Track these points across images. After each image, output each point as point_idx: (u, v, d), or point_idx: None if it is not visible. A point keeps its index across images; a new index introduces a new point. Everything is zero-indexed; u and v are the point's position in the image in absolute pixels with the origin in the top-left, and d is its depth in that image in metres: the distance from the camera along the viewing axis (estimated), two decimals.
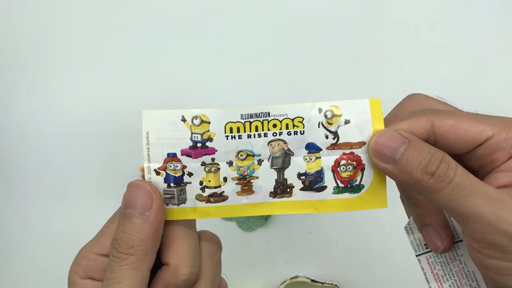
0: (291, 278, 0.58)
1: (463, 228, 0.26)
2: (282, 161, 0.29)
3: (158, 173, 0.29)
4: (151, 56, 0.65)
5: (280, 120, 0.28)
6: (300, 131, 0.28)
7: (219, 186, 0.29)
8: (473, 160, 0.28)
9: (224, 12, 0.66)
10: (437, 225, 0.30)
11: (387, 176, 0.28)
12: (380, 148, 0.27)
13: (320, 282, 0.57)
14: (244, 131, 0.29)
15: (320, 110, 0.28)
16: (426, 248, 0.32)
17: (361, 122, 0.28)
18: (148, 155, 0.30)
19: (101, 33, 0.65)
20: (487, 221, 0.24)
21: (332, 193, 0.29)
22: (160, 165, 0.29)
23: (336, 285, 0.57)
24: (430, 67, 0.64)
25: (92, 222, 0.62)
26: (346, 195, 0.29)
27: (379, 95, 0.69)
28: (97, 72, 0.65)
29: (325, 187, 0.29)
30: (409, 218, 0.32)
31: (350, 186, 0.29)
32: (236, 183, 0.29)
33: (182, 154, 0.29)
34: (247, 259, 0.61)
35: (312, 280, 0.57)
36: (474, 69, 0.64)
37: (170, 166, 0.29)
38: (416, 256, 0.32)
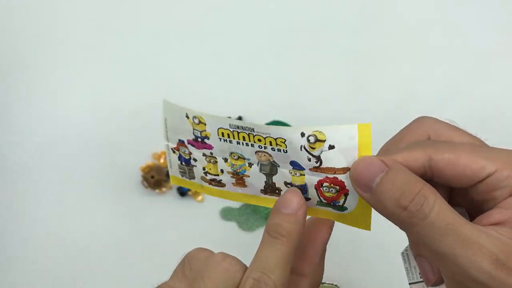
0: None
1: (438, 265, 0.25)
2: (269, 168, 0.30)
3: (173, 152, 0.34)
4: (151, 56, 0.65)
5: (264, 137, 0.29)
6: (283, 150, 0.28)
7: (217, 175, 0.32)
8: (474, 194, 0.26)
9: (224, 13, 0.66)
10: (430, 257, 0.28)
11: None
12: (357, 175, 0.26)
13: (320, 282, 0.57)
14: (234, 138, 0.30)
15: (302, 134, 0.27)
16: (420, 277, 0.30)
17: (347, 148, 0.27)
18: (167, 136, 0.35)
19: (101, 34, 0.65)
20: (458, 264, 0.23)
21: (316, 205, 0.29)
22: (175, 146, 0.33)
23: (336, 285, 0.57)
24: (430, 67, 0.64)
25: (91, 222, 0.63)
26: (330, 209, 0.29)
27: (379, 95, 0.69)
28: (98, 72, 0.65)
29: (309, 199, 0.29)
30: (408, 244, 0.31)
31: (333, 205, 0.28)
32: (231, 176, 0.31)
33: (188, 143, 0.32)
34: (247, 259, 0.60)
35: None
36: (474, 69, 0.64)
37: (181, 149, 0.33)
38: (409, 284, 0.31)
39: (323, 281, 0.57)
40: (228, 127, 0.31)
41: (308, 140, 0.27)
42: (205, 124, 0.32)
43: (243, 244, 0.62)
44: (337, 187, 0.28)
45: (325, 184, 0.28)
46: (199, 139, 0.32)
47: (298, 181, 0.29)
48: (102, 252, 0.59)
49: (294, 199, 0.28)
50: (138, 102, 0.64)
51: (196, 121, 0.32)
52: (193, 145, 0.32)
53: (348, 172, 0.27)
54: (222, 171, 0.31)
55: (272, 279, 0.26)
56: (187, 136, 0.32)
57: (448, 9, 0.65)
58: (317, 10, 0.65)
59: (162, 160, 0.62)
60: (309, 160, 0.28)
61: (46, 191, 0.62)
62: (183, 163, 0.33)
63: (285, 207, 0.27)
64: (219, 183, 0.32)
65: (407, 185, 0.24)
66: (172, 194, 0.62)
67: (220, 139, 0.31)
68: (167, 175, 0.61)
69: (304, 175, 0.29)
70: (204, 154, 0.32)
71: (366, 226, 0.28)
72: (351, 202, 0.28)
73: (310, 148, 0.28)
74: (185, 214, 0.61)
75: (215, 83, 0.64)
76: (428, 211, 0.23)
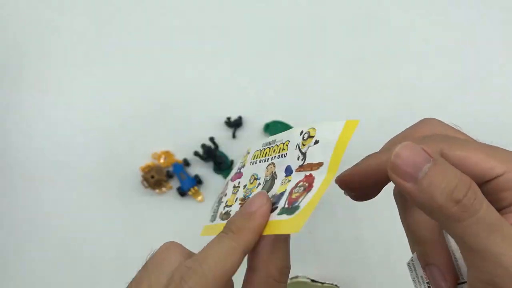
0: (291, 278, 0.58)
1: (472, 266, 0.24)
2: (269, 184, 0.29)
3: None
4: (152, 56, 0.65)
5: (278, 145, 0.29)
6: (284, 154, 0.28)
7: (231, 205, 0.31)
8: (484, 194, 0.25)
9: (224, 13, 0.66)
10: (442, 265, 0.28)
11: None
12: (401, 163, 0.24)
13: (320, 282, 0.57)
14: (259, 157, 0.31)
15: (301, 132, 0.27)
16: (429, 287, 0.30)
17: (327, 143, 0.26)
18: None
19: (101, 34, 0.65)
20: (502, 263, 0.22)
21: (277, 214, 0.27)
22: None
23: (336, 285, 0.57)
24: (430, 67, 0.64)
25: (91, 222, 0.63)
26: (283, 217, 0.27)
27: (379, 95, 0.69)
28: (98, 72, 0.65)
29: (276, 208, 0.28)
30: (412, 253, 0.31)
31: (291, 207, 0.27)
32: (239, 203, 0.31)
33: (232, 180, 0.33)
34: (247, 259, 0.61)
35: (312, 280, 0.57)
36: (474, 69, 0.64)
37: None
38: None
39: (323, 281, 0.57)
40: (261, 147, 0.31)
41: (303, 138, 0.27)
42: (248, 153, 0.32)
43: None
44: (307, 184, 0.27)
45: (300, 184, 0.27)
46: (239, 170, 0.32)
47: (281, 189, 0.28)
48: (102, 252, 0.59)
49: (256, 200, 0.28)
50: (138, 102, 0.64)
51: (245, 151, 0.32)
52: (232, 180, 0.32)
53: (321, 167, 0.26)
54: (236, 199, 0.31)
55: (202, 267, 0.26)
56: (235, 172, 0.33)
57: (448, 9, 0.65)
58: (317, 11, 0.66)
59: (162, 160, 0.62)
60: (298, 158, 0.28)
61: (46, 191, 0.62)
62: (217, 202, 0.33)
63: (245, 207, 0.28)
64: (227, 215, 0.31)
65: (458, 177, 0.23)
66: (172, 194, 0.62)
67: (251, 162, 0.31)
68: (167, 175, 0.61)
69: (290, 180, 0.28)
70: (234, 186, 0.32)
71: (296, 227, 0.26)
72: (305, 200, 0.26)
73: (301, 145, 0.27)
74: (185, 214, 0.61)
75: (216, 83, 0.64)
76: (479, 206, 0.23)
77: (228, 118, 0.62)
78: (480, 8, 0.65)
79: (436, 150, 0.25)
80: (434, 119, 0.29)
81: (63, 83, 0.64)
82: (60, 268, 0.59)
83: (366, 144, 0.66)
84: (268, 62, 0.65)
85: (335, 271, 0.59)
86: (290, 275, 0.59)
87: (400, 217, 0.30)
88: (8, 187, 0.62)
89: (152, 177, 0.59)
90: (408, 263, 0.31)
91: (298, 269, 0.59)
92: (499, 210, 0.25)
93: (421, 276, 0.30)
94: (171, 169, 0.61)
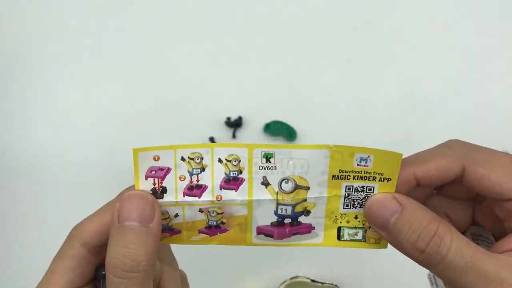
0: (291, 278, 0.58)
1: None
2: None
3: None
4: (151, 56, 0.65)
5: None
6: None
7: None
8: (499, 210, 0.26)
9: (224, 13, 0.66)
10: None
11: None
12: (373, 215, 0.27)
13: (320, 282, 0.57)
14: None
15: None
16: None
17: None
18: None
19: (101, 34, 0.65)
20: None
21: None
22: None
23: (336, 285, 0.57)
24: (430, 67, 0.64)
25: None
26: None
27: (379, 95, 0.69)
28: (98, 72, 0.65)
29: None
30: None
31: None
32: None
33: None
34: (247, 259, 0.61)
35: (312, 280, 0.57)
36: (474, 69, 0.64)
37: None
38: None
39: (323, 281, 0.57)
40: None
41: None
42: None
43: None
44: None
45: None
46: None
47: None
48: None
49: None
50: (138, 102, 0.64)
51: None
52: None
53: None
54: None
55: None
56: None
57: (448, 9, 0.65)
58: (317, 10, 0.65)
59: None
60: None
61: (46, 191, 0.62)
62: None
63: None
64: None
65: (423, 226, 0.24)
66: None
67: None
68: None
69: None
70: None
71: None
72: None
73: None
74: None
75: (215, 83, 0.64)
76: (445, 252, 0.23)
77: (228, 118, 0.62)
78: (480, 8, 0.65)
79: (457, 167, 0.25)
80: (458, 140, 0.28)
81: (62, 84, 0.64)
82: None
83: (366, 143, 0.66)
84: (268, 62, 0.65)
85: (335, 271, 0.59)
86: (290, 275, 0.59)
87: None
88: (8, 188, 0.62)
89: None
90: (429, 275, 0.31)
91: (298, 269, 0.59)
92: None
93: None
94: None
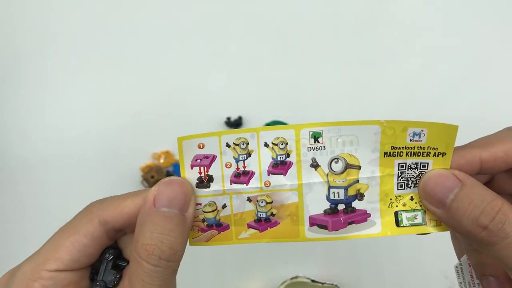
0: (291, 278, 0.58)
1: None
2: None
3: None
4: (152, 57, 0.65)
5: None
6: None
7: None
8: None
9: (224, 13, 0.66)
10: (502, 276, 0.27)
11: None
12: (430, 190, 0.25)
13: (320, 283, 0.57)
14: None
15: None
16: None
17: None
18: None
19: (102, 34, 0.65)
20: None
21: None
22: None
23: (336, 285, 0.57)
24: (430, 67, 0.64)
25: None
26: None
27: (379, 95, 0.69)
28: (98, 72, 0.65)
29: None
30: (459, 258, 0.30)
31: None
32: None
33: None
34: (247, 259, 0.61)
35: (312, 281, 0.57)
36: (474, 69, 0.64)
37: None
38: None
39: (323, 281, 0.57)
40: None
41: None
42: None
43: (243, 244, 0.62)
44: None
45: None
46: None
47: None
48: None
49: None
50: (138, 102, 0.64)
51: None
52: None
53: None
54: None
55: None
56: None
57: (448, 9, 0.65)
58: (317, 10, 0.65)
59: (162, 160, 0.62)
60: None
61: (46, 191, 0.62)
62: None
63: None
64: None
65: (486, 202, 0.23)
66: None
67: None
68: (167, 175, 0.61)
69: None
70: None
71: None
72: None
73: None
74: None
75: (215, 83, 0.64)
76: (510, 230, 0.22)
77: (228, 118, 0.62)
78: (480, 8, 0.65)
79: (476, 159, 0.25)
80: None
81: (63, 84, 0.64)
82: None
83: None
84: (268, 62, 0.65)
85: (335, 271, 0.59)
86: (290, 275, 0.59)
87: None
88: (8, 187, 0.62)
89: (152, 177, 0.59)
90: (456, 267, 0.30)
91: (298, 269, 0.59)
92: None
93: (469, 282, 0.30)
94: (171, 169, 0.61)
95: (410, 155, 0.26)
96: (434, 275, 0.57)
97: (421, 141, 0.25)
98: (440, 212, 0.25)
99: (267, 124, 0.62)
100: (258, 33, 0.65)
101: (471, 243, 0.28)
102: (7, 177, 0.62)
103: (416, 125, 0.25)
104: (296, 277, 0.57)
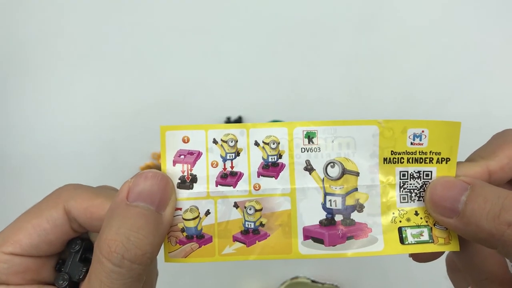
0: (291, 279, 0.58)
1: None
2: None
3: None
4: (152, 56, 0.65)
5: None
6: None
7: None
8: None
9: (224, 13, 0.66)
10: None
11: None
12: (438, 200, 0.23)
13: (320, 283, 0.57)
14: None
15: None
16: None
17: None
18: None
19: (102, 34, 0.65)
20: None
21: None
22: None
23: (336, 285, 0.57)
24: (430, 67, 0.64)
25: None
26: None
27: (379, 95, 0.69)
28: (98, 72, 0.65)
29: None
30: None
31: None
32: None
33: None
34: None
35: (312, 281, 0.57)
36: (475, 69, 0.64)
37: None
38: None
39: (323, 281, 0.57)
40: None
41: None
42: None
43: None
44: None
45: None
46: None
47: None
48: None
49: None
50: (138, 102, 0.64)
51: None
52: None
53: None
54: None
55: None
56: None
57: (448, 9, 0.65)
58: (317, 10, 0.65)
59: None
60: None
61: (46, 191, 0.62)
62: None
63: None
64: None
65: (502, 197, 0.21)
66: None
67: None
68: None
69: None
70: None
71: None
72: None
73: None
74: None
75: (215, 83, 0.64)
76: None
77: (228, 118, 0.62)
78: (480, 8, 0.65)
79: (485, 171, 0.23)
80: None
81: (62, 84, 0.64)
82: None
83: None
84: (268, 62, 0.64)
85: (335, 271, 0.59)
86: (290, 276, 0.59)
87: (455, 257, 0.27)
88: (8, 188, 0.62)
89: None
90: None
91: (298, 270, 0.59)
92: None
93: None
94: None
95: (412, 162, 0.24)
96: (434, 275, 0.57)
97: (422, 144, 0.24)
98: (454, 221, 0.22)
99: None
100: (258, 33, 0.65)
101: (482, 271, 0.25)
102: (6, 177, 0.62)
103: (416, 124, 0.24)
104: (296, 277, 0.57)
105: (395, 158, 0.24)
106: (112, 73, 0.64)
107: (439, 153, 0.24)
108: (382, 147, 0.24)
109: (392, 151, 0.24)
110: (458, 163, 0.24)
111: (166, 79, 0.64)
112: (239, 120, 0.62)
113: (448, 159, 0.24)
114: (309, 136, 0.24)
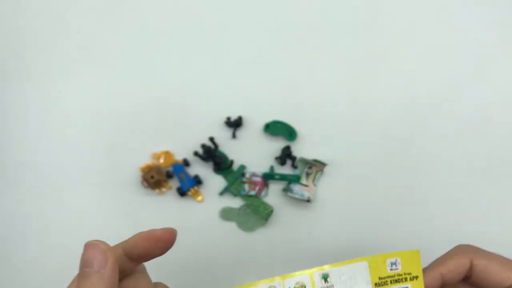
0: None
1: None
2: None
3: None
4: (151, 56, 0.65)
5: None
6: None
7: None
8: None
9: (223, 13, 0.66)
10: None
11: None
12: None
13: None
14: None
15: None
16: None
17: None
18: None
19: (101, 34, 0.65)
20: None
21: None
22: None
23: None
24: (430, 67, 0.64)
25: (91, 222, 0.63)
26: None
27: (379, 95, 0.69)
28: (97, 72, 0.65)
29: None
30: None
31: None
32: None
33: None
34: (247, 259, 0.61)
35: None
36: (475, 69, 0.64)
37: None
38: None
39: None
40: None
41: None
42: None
43: (243, 245, 0.62)
44: None
45: None
46: None
47: None
48: None
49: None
50: (138, 102, 0.64)
51: None
52: None
53: None
54: None
55: None
56: None
57: (448, 9, 0.65)
58: (317, 10, 0.65)
59: (162, 160, 0.61)
60: None
61: (45, 191, 0.62)
62: None
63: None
64: None
65: None
66: (172, 194, 0.61)
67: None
68: (167, 175, 0.61)
69: None
70: None
71: None
72: None
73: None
74: (185, 214, 0.61)
75: (215, 83, 0.64)
76: None
77: (228, 118, 0.62)
78: (480, 8, 0.65)
79: (467, 262, 0.34)
80: (466, 244, 0.36)
81: (62, 84, 0.64)
82: (59, 267, 0.59)
83: (366, 143, 0.66)
84: (268, 61, 0.64)
85: None
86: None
87: None
88: (8, 190, 0.62)
89: (152, 177, 0.59)
90: None
91: (298, 269, 0.59)
92: None
93: None
94: (171, 169, 0.61)
95: (393, 283, 0.33)
96: None
97: (397, 269, 0.33)
98: None
99: (267, 125, 0.62)
100: (258, 32, 0.65)
101: None
102: (6, 178, 0.62)
103: (391, 256, 0.34)
104: None
105: (382, 282, 0.33)
106: (111, 73, 0.65)
107: (410, 273, 0.33)
108: (372, 275, 0.33)
109: (379, 277, 0.33)
110: (424, 268, 0.35)
111: (166, 79, 0.64)
112: (239, 120, 0.62)
113: (416, 277, 0.33)
114: (325, 277, 0.33)
